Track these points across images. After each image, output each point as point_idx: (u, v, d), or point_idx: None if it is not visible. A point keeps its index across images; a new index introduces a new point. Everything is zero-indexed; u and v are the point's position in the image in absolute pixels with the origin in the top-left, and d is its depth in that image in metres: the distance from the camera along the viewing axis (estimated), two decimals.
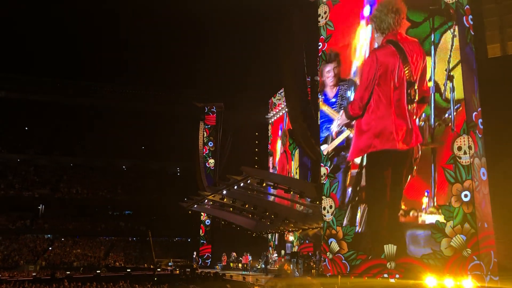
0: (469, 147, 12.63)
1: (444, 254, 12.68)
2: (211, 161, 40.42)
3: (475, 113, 13.23)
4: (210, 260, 38.29)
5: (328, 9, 18.46)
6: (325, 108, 16.66)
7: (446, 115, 12.86)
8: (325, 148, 17.01)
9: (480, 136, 13.19)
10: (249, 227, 36.01)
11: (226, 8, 39.13)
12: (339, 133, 16.17)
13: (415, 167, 13.05)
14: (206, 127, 41.42)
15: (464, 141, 12.77)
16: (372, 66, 14.30)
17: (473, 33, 13.84)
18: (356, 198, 15.34)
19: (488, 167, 13.13)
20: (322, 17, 18.65)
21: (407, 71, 13.24)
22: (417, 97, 13.26)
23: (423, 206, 13.08)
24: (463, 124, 12.90)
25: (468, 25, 13.75)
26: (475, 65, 13.68)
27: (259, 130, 39.69)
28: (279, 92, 35.31)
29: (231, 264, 34.77)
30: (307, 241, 30.14)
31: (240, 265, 34.17)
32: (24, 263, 38.26)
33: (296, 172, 32.10)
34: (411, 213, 13.14)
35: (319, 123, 19.74)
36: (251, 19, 37.74)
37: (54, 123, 52.42)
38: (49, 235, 44.33)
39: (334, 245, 16.51)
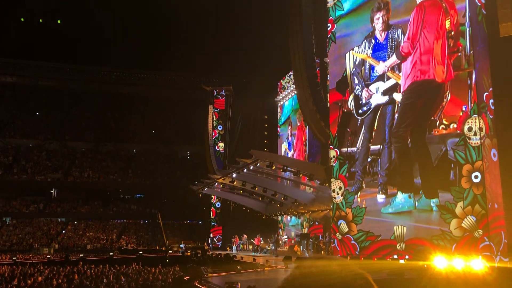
0: (480, 129, 12.55)
1: (453, 235, 12.70)
2: (221, 144, 40.55)
3: (486, 93, 13.10)
4: (221, 242, 38.71)
5: None
6: (369, 60, 16.61)
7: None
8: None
9: (491, 117, 13.07)
10: (259, 209, 36.27)
11: None
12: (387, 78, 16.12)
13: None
14: (215, 110, 41.46)
15: (475, 122, 12.67)
16: (420, 13, 14.67)
17: (484, 12, 13.61)
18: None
19: (499, 148, 13.04)
20: None
21: (448, 22, 13.76)
22: (453, 36, 13.60)
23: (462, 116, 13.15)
24: (474, 104, 12.80)
25: (480, 4, 13.52)
26: (487, 44, 13.49)
27: (268, 113, 39.66)
28: (288, 75, 35.16)
29: (241, 246, 35.14)
30: (316, 223, 30.31)
31: (250, 246, 34.55)
32: (39, 246, 38.96)
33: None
34: (451, 126, 13.27)
35: (328, 105, 19.68)
36: (260, 2, 37.34)
37: (64, 109, 52.78)
38: (62, 219, 45.00)
39: (344, 227, 16.60)
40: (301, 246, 27.96)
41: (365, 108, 16.59)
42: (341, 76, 17.76)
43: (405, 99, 14.80)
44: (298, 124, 33.96)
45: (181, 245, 36.57)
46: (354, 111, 17.04)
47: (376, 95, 16.21)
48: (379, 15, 16.31)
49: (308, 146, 32.05)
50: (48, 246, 38.59)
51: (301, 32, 22.93)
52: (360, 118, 16.78)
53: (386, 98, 15.81)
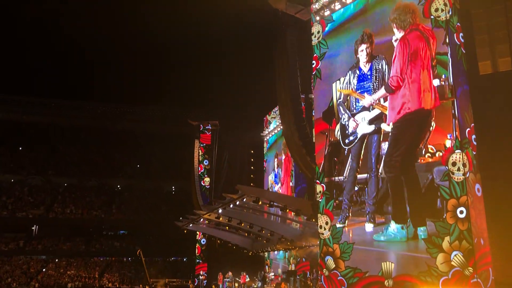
0: (463, 164, 12.74)
1: (440, 270, 12.68)
2: (207, 179, 40.36)
3: (468, 129, 13.39)
4: (206, 280, 37.96)
5: (321, 28, 18.72)
6: (354, 94, 16.88)
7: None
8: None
9: (474, 153, 13.32)
10: (245, 245, 35.81)
11: (221, 28, 39.60)
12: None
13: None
14: (201, 145, 41.45)
15: (458, 157, 12.88)
16: (404, 47, 15.05)
17: (464, 51, 14.07)
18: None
19: (482, 183, 13.23)
20: (315, 36, 18.90)
21: (429, 52, 14.18)
22: (435, 65, 14.00)
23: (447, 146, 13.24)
24: (456, 140, 13.04)
25: (459, 43, 13.99)
26: (467, 81, 13.88)
27: (254, 148, 39.78)
28: (274, 110, 35.51)
29: (227, 284, 34.44)
30: (303, 259, 30.00)
31: (236, 284, 33.85)
32: (17, 286, 37.74)
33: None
34: (437, 154, 13.35)
35: (313, 140, 19.84)
36: (246, 38, 38.17)
37: (49, 144, 52.33)
38: (42, 256, 43.87)
39: (331, 262, 16.46)
40: (288, 284, 27.52)
41: (351, 138, 16.80)
42: (327, 106, 18.01)
43: (396, 129, 15.01)
44: (284, 156, 34.14)
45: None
46: (340, 140, 17.20)
47: (362, 125, 16.46)
48: (363, 47, 16.77)
49: (295, 178, 32.09)
50: (28, 286, 37.41)
51: (287, 68, 23.35)
52: (346, 147, 16.94)
53: (372, 127, 16.06)
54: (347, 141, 16.92)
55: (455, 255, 12.38)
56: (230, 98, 41.48)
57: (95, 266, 43.34)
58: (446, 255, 12.60)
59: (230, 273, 34.36)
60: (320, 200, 17.83)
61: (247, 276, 31.93)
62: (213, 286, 34.56)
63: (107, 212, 47.46)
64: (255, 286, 31.65)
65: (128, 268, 44.12)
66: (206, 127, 41.85)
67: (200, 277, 37.22)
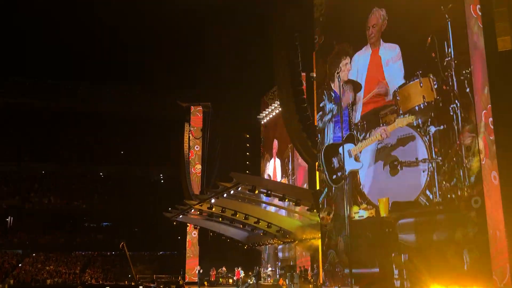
0: (479, 150, 12.72)
1: (452, 265, 12.74)
2: (198, 166, 40.38)
3: (484, 111, 13.33)
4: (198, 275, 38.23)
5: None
6: None
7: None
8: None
9: (491, 138, 13.27)
10: (240, 238, 36.00)
11: (215, 2, 39.20)
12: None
13: None
14: (192, 129, 41.38)
15: (473, 142, 12.85)
16: None
17: (481, 25, 13.95)
18: None
19: (499, 170, 13.21)
20: (318, 9, 18.74)
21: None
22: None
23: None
24: (470, 125, 12.98)
25: (475, 16, 13.87)
26: (484, 60, 13.77)
27: (250, 132, 39.77)
28: (271, 91, 35.42)
29: (221, 280, 34.70)
30: (303, 254, 30.21)
31: (230, 280, 34.10)
32: None
33: None
34: None
35: (315, 123, 19.82)
36: (242, 14, 37.78)
37: (23, 127, 52.05)
38: (18, 251, 43.95)
39: (333, 256, 16.55)
40: (287, 280, 27.76)
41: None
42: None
43: None
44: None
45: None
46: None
47: None
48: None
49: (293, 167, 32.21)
50: (2, 282, 37.58)
51: (285, 44, 23.20)
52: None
53: None
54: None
55: (469, 249, 12.43)
56: (223, 78, 41.16)
57: (76, 261, 43.51)
58: (459, 248, 12.65)
59: (223, 268, 34.65)
60: (323, 190, 17.89)
61: (241, 271, 32.19)
62: (205, 283, 34.83)
63: (89, 202, 47.50)
64: (250, 282, 31.92)
65: (112, 263, 44.33)
66: (197, 109, 41.73)
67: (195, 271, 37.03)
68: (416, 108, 14.31)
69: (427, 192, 13.63)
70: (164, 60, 50.16)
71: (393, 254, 14.20)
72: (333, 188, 17.26)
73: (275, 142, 36.11)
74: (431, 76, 13.91)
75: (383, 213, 15.04)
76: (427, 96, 14.00)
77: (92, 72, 52.01)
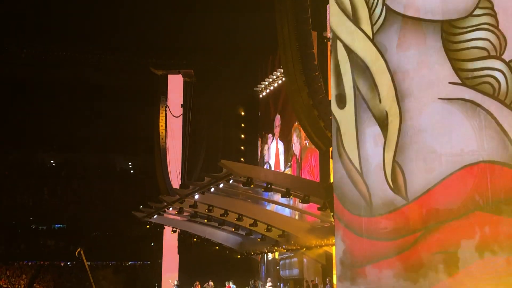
0: None
1: None
2: (178, 152, 40.43)
3: None
4: None
5: None
6: None
7: None
8: None
9: None
10: (231, 245, 36.22)
11: None
12: None
13: None
14: (169, 105, 41.34)
15: None
16: None
17: None
18: None
19: None
20: None
21: None
22: None
23: None
24: None
25: None
26: None
27: (245, 108, 39.77)
28: (273, 56, 35.39)
29: None
30: (313, 264, 30.49)
31: None
32: None
33: None
34: None
35: (329, 98, 19.81)
36: None
37: None
38: None
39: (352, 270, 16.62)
40: None
41: None
42: None
43: None
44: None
45: None
46: None
47: None
48: None
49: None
50: None
51: None
52: None
53: None
54: None
55: None
56: (211, 39, 40.98)
57: (20, 274, 43.73)
58: None
59: (210, 283, 34.88)
60: None
61: (233, 286, 32.49)
62: None
63: (36, 198, 47.55)
64: None
65: (67, 275, 44.60)
66: (176, 78, 41.62)
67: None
68: None
69: None
70: (138, 16, 49.69)
71: None
72: None
73: (277, 119, 36.10)
74: None
75: None
76: None
77: (47, 32, 51.64)
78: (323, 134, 21.33)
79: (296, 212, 30.86)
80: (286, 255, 33.64)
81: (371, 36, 13.39)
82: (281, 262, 34.23)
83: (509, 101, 11.50)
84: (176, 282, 34.02)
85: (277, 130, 36.08)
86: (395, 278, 12.62)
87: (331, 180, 18.64)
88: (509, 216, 11.34)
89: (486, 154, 11.63)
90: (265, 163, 36.96)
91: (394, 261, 12.55)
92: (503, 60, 11.67)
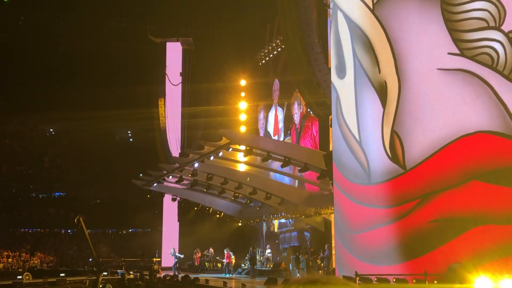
0: None
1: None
2: (177, 121, 40.43)
3: None
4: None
5: None
6: None
7: None
8: None
9: None
10: (231, 213, 36.46)
11: None
12: None
13: None
14: (169, 73, 41.20)
15: None
16: None
17: None
18: None
19: None
20: None
21: None
22: None
23: None
24: None
25: None
26: None
27: (246, 76, 39.59)
28: (272, 23, 35.16)
29: (207, 264, 35.34)
30: (312, 232, 30.71)
31: (219, 264, 34.74)
32: None
33: None
34: None
35: (329, 65, 19.83)
36: None
37: None
38: None
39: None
40: (290, 264, 28.33)
41: None
42: None
43: None
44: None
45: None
46: None
47: None
48: None
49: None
50: None
51: None
52: None
53: None
54: None
55: None
56: (210, 5, 40.65)
57: (22, 241, 43.97)
58: None
59: (211, 250, 35.24)
60: None
61: (231, 253, 32.77)
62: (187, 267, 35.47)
63: (36, 166, 47.52)
64: (244, 267, 32.54)
65: (68, 243, 44.85)
66: (176, 47, 41.42)
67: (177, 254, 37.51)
68: None
69: None
70: None
71: None
72: None
73: (276, 83, 35.89)
74: None
75: None
76: None
77: None
78: (322, 102, 21.40)
79: (296, 180, 31.01)
80: (285, 229, 33.86)
81: (371, 6, 13.39)
82: (280, 236, 34.47)
83: (508, 72, 11.59)
84: (172, 251, 34.32)
85: (275, 95, 35.89)
86: (392, 244, 12.84)
87: (331, 149, 18.77)
88: (506, 185, 11.50)
89: (484, 124, 11.75)
90: (265, 131, 36.98)
91: (391, 228, 12.75)
92: (502, 31, 11.72)
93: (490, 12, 11.76)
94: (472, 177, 11.67)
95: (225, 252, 32.83)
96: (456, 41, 11.99)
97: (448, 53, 12.13)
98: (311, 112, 28.22)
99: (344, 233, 14.35)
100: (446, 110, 12.20)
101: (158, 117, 40.50)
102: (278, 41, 34.32)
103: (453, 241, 11.78)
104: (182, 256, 34.31)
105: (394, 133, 12.75)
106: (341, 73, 14.38)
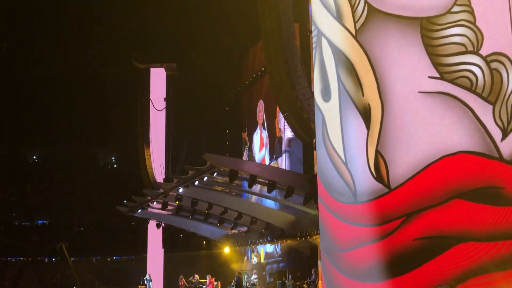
0: None
1: None
2: (161, 146, 40.53)
3: None
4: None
5: None
6: None
7: None
8: None
9: None
10: (216, 238, 36.47)
11: None
12: None
13: None
14: (152, 99, 41.35)
15: None
16: None
17: None
18: None
19: None
20: None
21: None
22: None
23: None
24: None
25: None
26: None
27: (230, 102, 39.92)
28: (255, 48, 35.58)
29: None
30: (298, 256, 30.82)
31: None
32: None
33: None
34: None
35: (313, 89, 20.14)
36: None
37: None
38: None
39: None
40: None
41: None
42: None
43: None
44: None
45: None
46: None
47: None
48: None
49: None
50: None
51: None
52: None
53: None
54: None
55: None
56: (194, 31, 41.02)
57: (4, 270, 43.63)
58: None
59: (196, 276, 35.12)
60: None
61: (215, 279, 32.73)
62: None
63: (19, 194, 47.38)
64: None
65: (52, 272, 44.55)
66: (159, 72, 41.62)
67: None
68: None
69: None
70: (117, 6, 49.44)
71: None
72: None
73: (261, 104, 36.17)
74: None
75: None
76: None
77: (24, 25, 51.25)
78: (307, 126, 21.64)
79: (281, 204, 31.17)
80: (272, 259, 33.87)
81: (354, 33, 13.77)
82: (267, 267, 34.43)
83: (486, 94, 12.05)
84: (147, 277, 34.47)
85: (260, 115, 36.13)
86: (379, 261, 13.10)
87: (315, 172, 18.98)
88: (487, 203, 11.88)
89: (464, 145, 12.15)
90: (249, 155, 37.23)
91: (378, 245, 13.02)
92: (480, 55, 12.18)
93: (468, 37, 12.22)
94: (455, 195, 12.02)
95: (207, 278, 32.80)
96: (436, 65, 12.40)
97: (429, 77, 12.53)
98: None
99: (331, 250, 14.54)
100: (428, 131, 12.57)
101: (142, 142, 40.52)
102: (262, 68, 34.68)
103: (438, 258, 12.06)
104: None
105: (378, 153, 13.02)
106: (326, 96, 14.68)
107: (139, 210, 34.58)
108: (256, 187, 27.70)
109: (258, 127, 36.41)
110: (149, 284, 34.85)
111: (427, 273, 12.32)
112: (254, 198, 31.71)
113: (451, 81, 12.28)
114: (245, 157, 37.20)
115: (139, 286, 37.41)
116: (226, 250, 37.11)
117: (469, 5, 12.27)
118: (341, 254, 14.20)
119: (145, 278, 35.34)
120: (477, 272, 11.94)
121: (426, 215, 12.33)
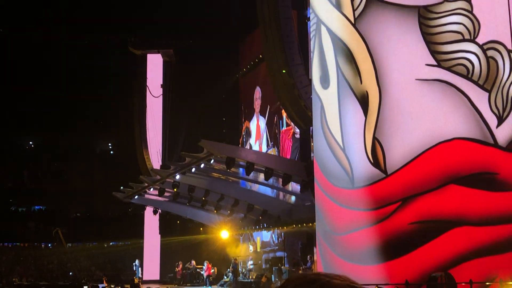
0: None
1: None
2: (158, 133, 40.53)
3: None
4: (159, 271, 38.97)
5: None
6: None
7: None
8: None
9: None
10: (213, 225, 36.60)
11: None
12: None
13: None
14: (149, 85, 41.31)
15: None
16: None
17: None
18: None
19: None
20: None
21: None
22: None
23: None
24: None
25: None
26: None
27: (227, 90, 39.87)
28: (252, 35, 35.52)
29: (189, 276, 35.45)
30: (295, 242, 30.95)
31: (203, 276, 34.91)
32: None
33: None
34: None
35: (310, 76, 20.20)
36: None
37: None
38: None
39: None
40: (273, 275, 28.53)
41: None
42: None
43: None
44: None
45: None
46: None
47: None
48: None
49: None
50: None
51: None
52: None
53: None
54: None
55: None
56: (191, 17, 40.84)
57: (0, 255, 43.71)
58: None
59: (193, 262, 35.32)
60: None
61: (212, 265, 32.93)
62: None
63: (16, 180, 47.37)
64: (226, 279, 32.66)
65: (49, 257, 44.63)
66: (156, 58, 41.56)
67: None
68: None
69: None
70: None
71: None
72: None
73: (258, 91, 36.19)
74: None
75: None
76: None
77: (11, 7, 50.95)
78: (304, 114, 21.71)
79: (278, 191, 31.28)
80: (269, 248, 33.98)
81: (353, 21, 13.89)
82: (263, 256, 34.52)
83: (482, 81, 12.23)
84: (136, 262, 34.84)
85: (257, 103, 36.15)
86: (375, 245, 13.31)
87: (312, 159, 19.09)
88: (481, 188, 12.09)
89: (460, 131, 12.34)
90: (247, 143, 37.26)
91: (374, 229, 13.23)
92: (476, 43, 12.36)
93: (465, 26, 12.40)
94: (450, 181, 12.25)
95: (205, 264, 32.98)
96: (433, 53, 12.58)
97: (426, 64, 12.70)
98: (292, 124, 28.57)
99: (328, 234, 14.74)
100: (425, 118, 12.76)
101: (138, 129, 40.49)
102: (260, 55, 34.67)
103: (433, 242, 12.31)
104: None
105: (375, 140, 13.23)
106: (325, 84, 14.81)
107: (136, 196, 34.67)
108: (253, 174, 27.93)
109: (254, 114, 36.41)
110: (138, 270, 35.18)
111: (422, 257, 12.55)
112: (251, 185, 31.78)
113: (448, 69, 12.47)
114: (247, 146, 37.10)
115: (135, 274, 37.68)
116: (224, 235, 37.20)
117: None
118: (338, 238, 14.41)
119: (134, 263, 35.70)
120: (471, 256, 12.18)
121: (422, 200, 12.57)
